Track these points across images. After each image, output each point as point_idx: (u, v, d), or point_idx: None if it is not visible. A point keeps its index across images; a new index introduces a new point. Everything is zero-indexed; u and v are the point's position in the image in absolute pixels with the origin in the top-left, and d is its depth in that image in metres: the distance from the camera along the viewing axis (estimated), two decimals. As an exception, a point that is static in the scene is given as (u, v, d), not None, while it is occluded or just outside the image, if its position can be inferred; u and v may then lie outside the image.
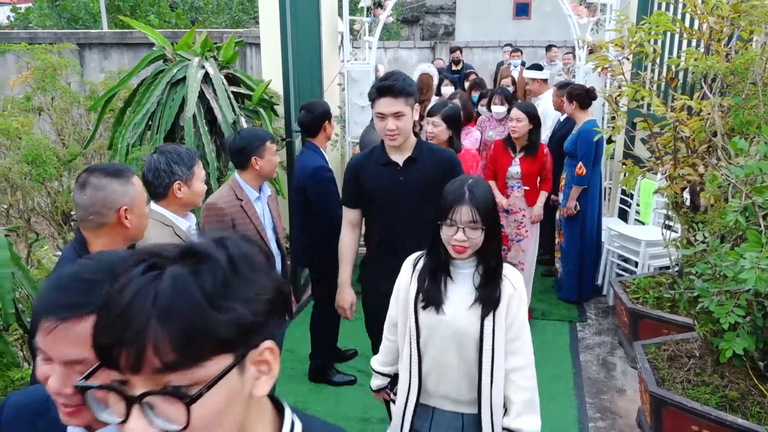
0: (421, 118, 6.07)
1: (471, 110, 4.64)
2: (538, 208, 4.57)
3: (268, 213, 3.14)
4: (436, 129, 3.76)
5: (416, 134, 2.83)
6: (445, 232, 1.95)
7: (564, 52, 9.25)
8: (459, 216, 1.92)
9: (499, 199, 4.51)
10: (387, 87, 2.59)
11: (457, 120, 3.86)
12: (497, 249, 2.02)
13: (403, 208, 2.74)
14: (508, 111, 5.49)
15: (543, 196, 4.59)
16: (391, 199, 2.74)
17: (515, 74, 8.60)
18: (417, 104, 2.68)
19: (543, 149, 4.57)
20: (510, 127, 4.47)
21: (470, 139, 4.87)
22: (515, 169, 4.54)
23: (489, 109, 5.75)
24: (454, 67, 10.37)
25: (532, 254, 4.72)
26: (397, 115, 2.60)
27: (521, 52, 9.49)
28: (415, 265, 2.13)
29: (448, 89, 6.75)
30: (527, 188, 4.55)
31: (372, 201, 2.82)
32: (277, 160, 3.14)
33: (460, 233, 1.93)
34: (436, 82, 6.56)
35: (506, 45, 10.84)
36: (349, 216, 2.94)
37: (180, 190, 2.45)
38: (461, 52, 10.52)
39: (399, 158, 2.75)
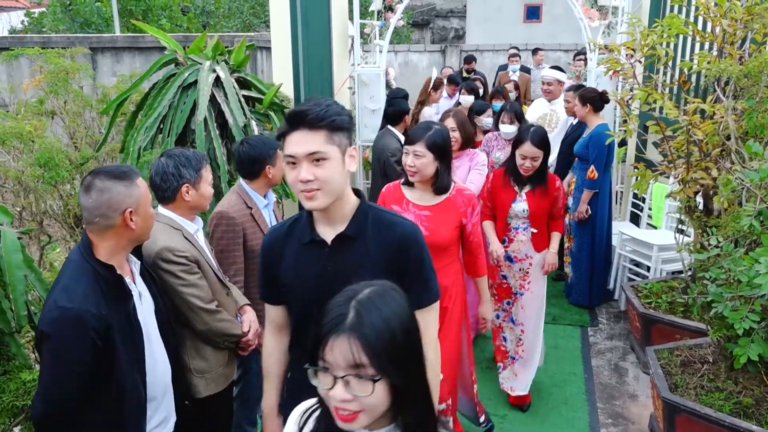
0: (417, 121, 6.07)
1: (471, 131, 3.89)
2: (552, 254, 3.70)
3: (274, 220, 3.12)
4: (418, 161, 2.76)
5: (359, 194, 1.89)
6: (320, 384, 1.18)
7: (575, 57, 9.15)
8: (334, 356, 1.14)
9: (495, 247, 3.73)
10: (299, 115, 1.69)
11: (446, 148, 2.86)
12: (423, 412, 1.23)
13: None
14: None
15: (556, 239, 3.74)
16: (312, 299, 1.72)
17: (515, 78, 8.56)
18: (353, 147, 1.78)
19: (555, 181, 3.67)
20: (521, 166, 3.57)
21: (475, 166, 3.92)
22: (521, 206, 3.65)
23: (497, 127, 4.99)
24: (465, 75, 10.00)
25: (536, 314, 3.77)
26: (316, 159, 1.67)
27: (520, 57, 9.35)
28: (301, 428, 1.34)
29: (467, 99, 6.17)
30: (535, 230, 3.67)
31: (290, 299, 1.91)
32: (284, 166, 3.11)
33: (339, 388, 1.14)
34: (433, 86, 6.51)
35: (512, 48, 10.72)
36: (272, 314, 2.01)
37: (188, 193, 2.45)
38: (475, 62, 10.25)
39: (328, 233, 1.81)
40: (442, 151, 2.78)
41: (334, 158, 1.70)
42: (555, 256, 3.73)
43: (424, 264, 1.85)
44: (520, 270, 3.74)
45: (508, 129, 4.82)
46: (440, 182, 2.83)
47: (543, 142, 3.49)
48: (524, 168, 3.53)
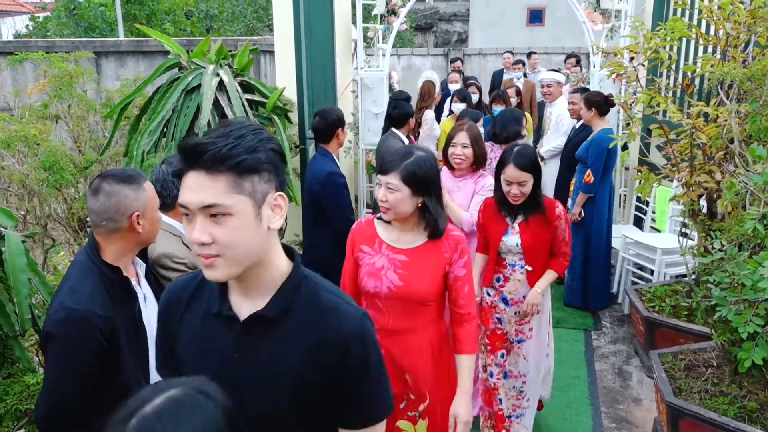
0: (418, 125, 6.05)
1: (485, 149, 3.52)
2: (535, 294, 3.08)
3: None
4: (391, 196, 2.19)
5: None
6: None
7: (566, 60, 9.04)
8: None
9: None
10: (194, 150, 1.22)
11: (430, 179, 2.23)
12: None
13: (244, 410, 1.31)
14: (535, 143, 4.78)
15: (547, 278, 3.12)
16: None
17: (519, 85, 8.52)
18: (279, 195, 1.31)
19: (554, 208, 3.09)
20: (508, 194, 3.01)
21: (481, 191, 3.46)
22: (513, 239, 3.08)
23: (494, 135, 4.62)
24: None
25: (535, 364, 3.23)
26: (213, 213, 1.22)
27: (523, 64, 9.28)
28: None
29: (458, 106, 5.96)
30: (530, 268, 3.11)
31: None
32: None
33: None
34: (438, 90, 6.44)
35: (506, 52, 10.37)
36: None
37: None
38: (462, 62, 10.10)
39: (243, 306, 1.34)
40: (423, 184, 2.18)
41: (242, 213, 1.22)
42: (539, 296, 3.09)
43: (370, 369, 1.35)
44: (516, 314, 3.17)
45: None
46: (433, 223, 2.25)
47: (530, 164, 2.95)
48: (512, 195, 2.99)
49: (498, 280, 3.20)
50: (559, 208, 3.10)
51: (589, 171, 4.77)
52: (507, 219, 3.12)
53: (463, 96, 6.12)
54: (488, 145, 4.47)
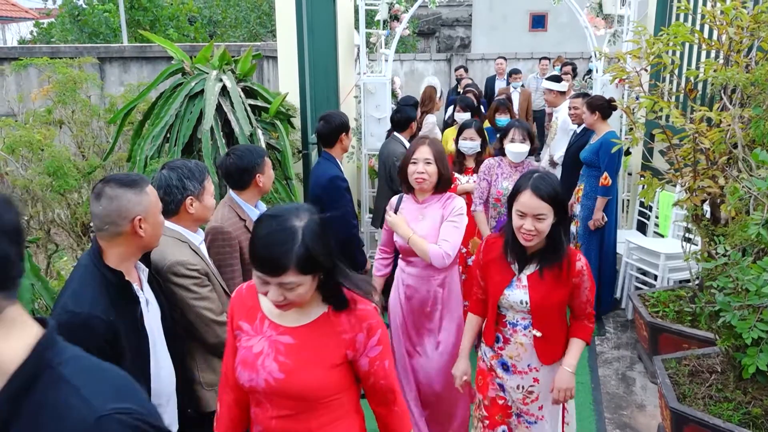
0: (420, 129, 6.02)
1: (449, 168, 3.04)
2: (566, 376, 2.44)
3: None
4: (292, 294, 1.62)
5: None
6: None
7: (562, 67, 8.95)
8: None
9: (460, 368, 2.64)
10: None
11: (327, 246, 1.66)
12: None
13: None
14: (532, 152, 4.24)
15: (576, 349, 2.48)
16: None
17: (515, 96, 8.50)
18: None
19: (575, 260, 2.42)
20: (519, 230, 2.36)
21: (450, 215, 2.94)
22: (518, 295, 2.43)
23: (502, 149, 4.29)
24: (459, 87, 9.29)
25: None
26: None
27: (520, 74, 9.24)
28: None
29: (462, 116, 5.60)
30: (539, 334, 2.44)
31: None
32: (272, 173, 3.04)
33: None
34: (439, 94, 6.40)
35: (499, 58, 10.28)
36: None
37: (192, 205, 2.45)
38: (466, 70, 9.99)
39: None
40: (322, 259, 1.63)
41: None
42: (570, 379, 2.42)
43: None
44: (520, 388, 2.53)
45: (519, 149, 4.08)
46: (333, 293, 1.73)
47: (552, 193, 2.31)
48: (524, 233, 2.32)
49: (497, 340, 2.55)
50: (582, 261, 2.43)
51: (605, 174, 4.76)
52: (513, 267, 2.45)
53: (466, 104, 5.86)
54: (495, 160, 4.34)
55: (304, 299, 1.66)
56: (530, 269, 2.43)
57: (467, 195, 4.51)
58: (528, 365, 2.49)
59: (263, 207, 3.04)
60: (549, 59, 10.02)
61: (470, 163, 4.64)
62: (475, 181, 4.48)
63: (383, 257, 3.34)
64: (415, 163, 2.96)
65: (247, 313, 1.81)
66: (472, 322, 2.67)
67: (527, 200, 2.31)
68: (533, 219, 2.30)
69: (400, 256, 3.15)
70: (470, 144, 4.51)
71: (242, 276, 2.87)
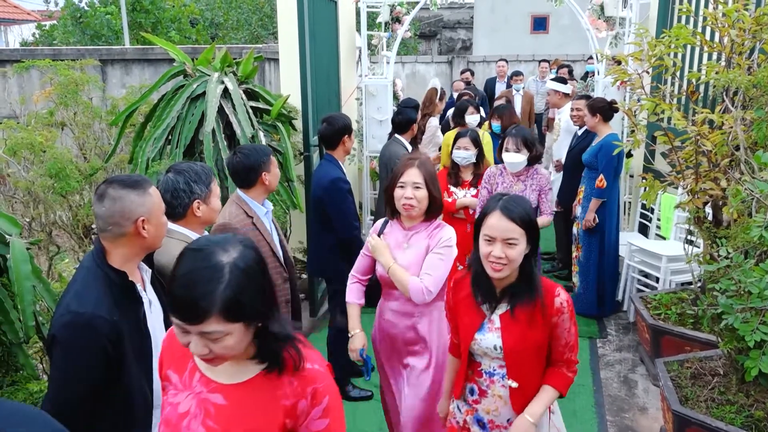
0: (421, 133, 6.01)
1: (440, 191, 2.73)
2: (524, 425, 2.10)
3: (273, 227, 3.12)
4: (218, 346, 1.34)
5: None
6: None
7: (558, 69, 8.85)
8: None
9: (440, 407, 2.50)
10: None
11: (258, 290, 1.38)
12: None
13: None
14: (531, 161, 4.08)
15: (545, 397, 2.14)
16: None
17: (517, 99, 8.46)
18: None
19: (554, 295, 2.11)
20: (486, 257, 2.06)
21: (437, 246, 2.61)
22: (490, 339, 2.13)
23: (500, 158, 4.20)
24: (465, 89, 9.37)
25: None
26: None
27: (522, 75, 9.19)
28: None
29: (473, 118, 5.52)
30: (514, 384, 2.12)
31: None
32: (278, 172, 3.12)
33: None
34: (439, 95, 6.37)
35: (500, 60, 10.19)
36: None
37: (199, 208, 2.46)
38: (472, 74, 9.81)
39: None
40: (256, 308, 1.36)
41: None
42: (530, 428, 2.10)
43: None
44: None
45: (515, 158, 3.96)
46: (267, 352, 1.42)
47: (525, 216, 2.04)
48: (492, 262, 2.03)
49: (471, 392, 2.23)
50: (562, 296, 2.10)
51: (601, 176, 4.76)
52: (483, 307, 2.14)
53: (476, 106, 5.70)
54: (498, 167, 4.27)
55: (234, 352, 1.35)
56: (502, 308, 2.13)
57: (465, 210, 4.41)
58: (508, 420, 2.17)
59: (270, 205, 3.09)
60: (548, 62, 9.99)
61: (467, 176, 4.45)
62: (473, 195, 4.36)
63: (356, 283, 2.92)
64: (402, 187, 2.63)
65: (177, 362, 1.50)
66: (453, 364, 2.38)
67: (496, 222, 2.04)
68: (503, 244, 2.03)
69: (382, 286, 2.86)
70: (464, 154, 4.32)
71: None
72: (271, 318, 1.40)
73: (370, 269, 2.88)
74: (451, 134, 5.50)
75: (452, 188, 4.42)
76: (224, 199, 3.03)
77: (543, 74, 9.56)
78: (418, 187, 2.60)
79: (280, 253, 3.06)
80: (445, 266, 2.59)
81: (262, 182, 2.96)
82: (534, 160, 4.09)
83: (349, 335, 2.87)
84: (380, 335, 2.87)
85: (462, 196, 4.42)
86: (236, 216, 2.89)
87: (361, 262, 2.92)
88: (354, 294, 2.91)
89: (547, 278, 2.20)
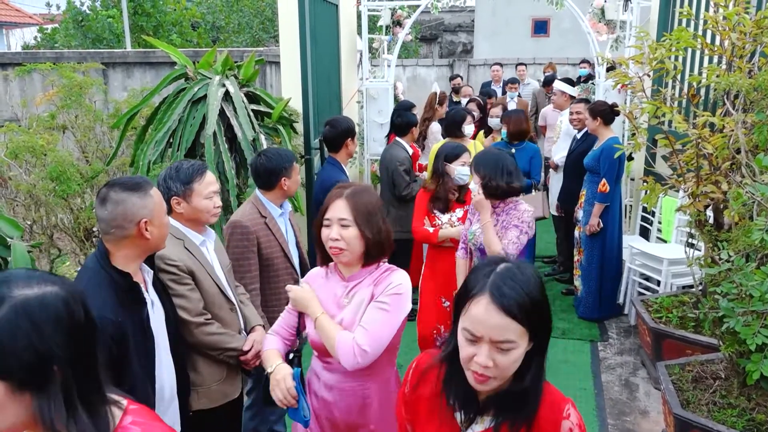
0: (424, 137, 6.00)
1: (382, 237, 2.04)
2: None
3: (290, 228, 3.17)
4: None
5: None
6: None
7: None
8: None
9: None
10: None
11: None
12: None
13: None
14: (504, 194, 3.09)
15: None
16: None
17: (512, 106, 8.37)
18: None
19: (562, 417, 1.45)
20: (465, 362, 1.37)
21: (378, 299, 2.00)
22: None
23: None
24: (455, 97, 8.72)
25: None
26: None
27: (519, 83, 8.97)
28: None
29: (470, 129, 4.86)
30: None
31: None
32: (299, 179, 3.17)
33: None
34: (438, 99, 6.35)
35: (495, 64, 10.02)
36: None
37: (179, 205, 2.46)
38: (462, 79, 9.57)
39: None
40: None
41: None
42: None
43: None
44: None
45: (466, 171, 3.50)
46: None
47: (525, 304, 1.32)
48: (477, 370, 1.35)
49: None
50: (573, 418, 1.46)
51: (604, 180, 4.76)
52: (457, 416, 1.46)
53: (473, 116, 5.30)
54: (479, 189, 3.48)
55: (6, 425, 1.05)
56: (483, 423, 1.43)
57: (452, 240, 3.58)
58: None
59: (288, 206, 3.17)
60: (526, 65, 9.84)
61: (459, 197, 3.70)
62: (460, 217, 3.63)
63: (275, 337, 2.23)
64: (328, 225, 2.03)
65: None
66: None
67: (482, 315, 1.32)
68: (492, 347, 1.33)
69: (314, 355, 2.16)
70: (468, 171, 3.51)
71: (259, 270, 2.98)
72: (45, 385, 1.03)
73: (294, 329, 2.23)
74: (436, 148, 4.39)
75: (437, 213, 3.67)
76: (224, 200, 3.06)
77: (521, 77, 9.38)
78: (345, 225, 1.99)
79: (292, 255, 3.10)
80: (389, 321, 1.96)
81: (281, 186, 3.03)
82: (504, 194, 3.09)
83: (268, 372, 2.10)
84: (316, 421, 2.16)
85: (446, 220, 3.65)
86: (249, 215, 2.96)
87: (284, 319, 2.24)
88: (272, 344, 2.20)
89: (555, 388, 1.51)
